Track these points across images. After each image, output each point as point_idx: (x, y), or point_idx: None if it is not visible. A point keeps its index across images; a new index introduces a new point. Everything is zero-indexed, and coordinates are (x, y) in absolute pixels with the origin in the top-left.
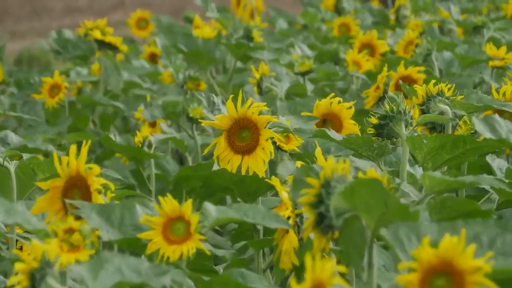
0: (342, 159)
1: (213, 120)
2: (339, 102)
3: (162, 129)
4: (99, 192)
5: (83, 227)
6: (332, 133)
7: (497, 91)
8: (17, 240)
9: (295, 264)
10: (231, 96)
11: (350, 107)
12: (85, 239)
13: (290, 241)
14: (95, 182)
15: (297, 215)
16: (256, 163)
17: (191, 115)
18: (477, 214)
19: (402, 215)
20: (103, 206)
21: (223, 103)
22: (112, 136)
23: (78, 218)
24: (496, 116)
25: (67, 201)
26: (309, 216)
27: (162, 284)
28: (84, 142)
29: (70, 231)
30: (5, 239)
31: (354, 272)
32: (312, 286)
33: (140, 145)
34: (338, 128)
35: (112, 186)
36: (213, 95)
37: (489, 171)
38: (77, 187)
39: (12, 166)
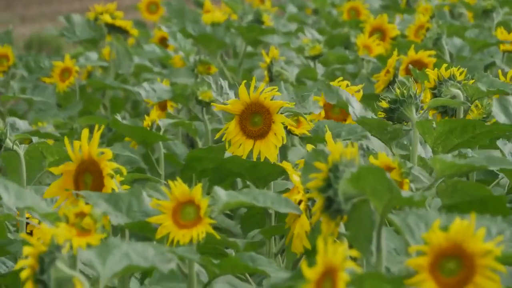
0: (351, 143)
1: (225, 105)
2: (347, 85)
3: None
4: (112, 176)
5: (94, 211)
6: (350, 109)
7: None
8: (27, 224)
9: (307, 248)
10: (244, 81)
11: (358, 91)
12: (96, 223)
13: (302, 225)
14: (108, 167)
15: (308, 199)
16: (268, 148)
17: (200, 98)
18: (489, 198)
19: (408, 203)
20: (110, 194)
21: (234, 86)
22: (120, 119)
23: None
24: (510, 97)
25: (74, 192)
26: (318, 201)
27: (169, 268)
28: (96, 126)
29: (81, 215)
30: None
31: (363, 256)
32: (324, 269)
33: (149, 129)
34: (346, 112)
35: (124, 170)
36: (220, 78)
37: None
38: (89, 171)
39: (21, 150)
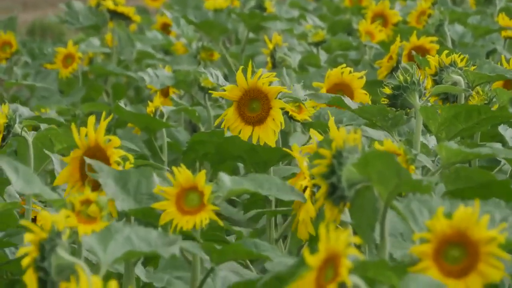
0: (354, 129)
1: (223, 91)
2: (350, 72)
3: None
4: (118, 164)
5: (100, 199)
6: (347, 100)
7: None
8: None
9: (312, 234)
10: (241, 67)
11: (362, 77)
12: (101, 210)
13: (307, 211)
14: (115, 154)
15: (314, 185)
16: (267, 134)
17: (202, 84)
18: (493, 184)
19: (415, 188)
20: (120, 172)
21: (231, 74)
22: (123, 105)
23: (95, 189)
24: None
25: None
26: (321, 187)
27: (171, 253)
28: (104, 114)
29: (87, 202)
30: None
31: (365, 244)
32: (326, 256)
33: (152, 115)
34: (349, 98)
35: (131, 157)
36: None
37: (501, 140)
38: (96, 158)
39: (30, 136)
